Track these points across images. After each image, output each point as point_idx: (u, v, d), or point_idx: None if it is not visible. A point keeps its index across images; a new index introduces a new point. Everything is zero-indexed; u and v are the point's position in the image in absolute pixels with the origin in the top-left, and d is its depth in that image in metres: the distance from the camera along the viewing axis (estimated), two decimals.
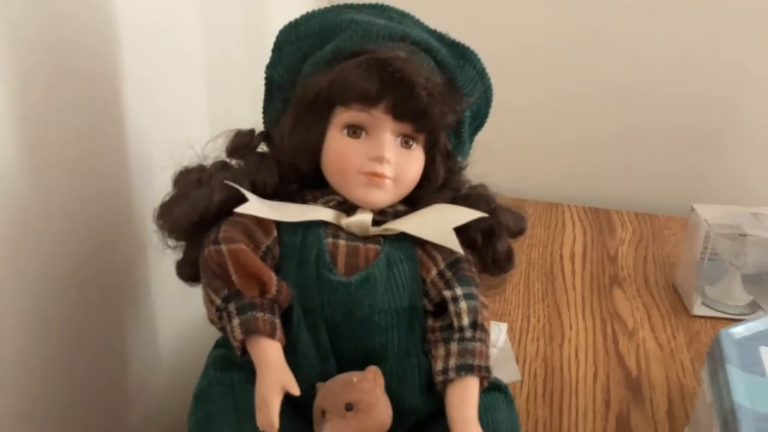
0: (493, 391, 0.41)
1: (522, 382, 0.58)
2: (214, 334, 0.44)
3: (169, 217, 0.41)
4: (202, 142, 0.43)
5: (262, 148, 0.44)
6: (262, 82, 0.44)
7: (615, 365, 0.62)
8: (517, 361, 0.60)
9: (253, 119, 0.45)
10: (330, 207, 0.41)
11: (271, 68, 0.43)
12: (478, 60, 0.43)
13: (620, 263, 0.81)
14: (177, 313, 0.57)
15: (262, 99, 0.45)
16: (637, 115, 0.94)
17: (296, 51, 0.42)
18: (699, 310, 0.70)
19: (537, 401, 0.56)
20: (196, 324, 0.57)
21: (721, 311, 0.70)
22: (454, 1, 0.92)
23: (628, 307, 0.72)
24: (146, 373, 0.55)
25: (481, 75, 0.43)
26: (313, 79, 0.40)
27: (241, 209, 0.39)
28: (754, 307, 0.70)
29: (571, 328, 0.67)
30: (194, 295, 0.46)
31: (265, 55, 0.44)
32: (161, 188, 0.43)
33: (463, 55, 0.43)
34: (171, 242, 0.42)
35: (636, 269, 0.80)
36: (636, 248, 0.85)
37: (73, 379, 0.47)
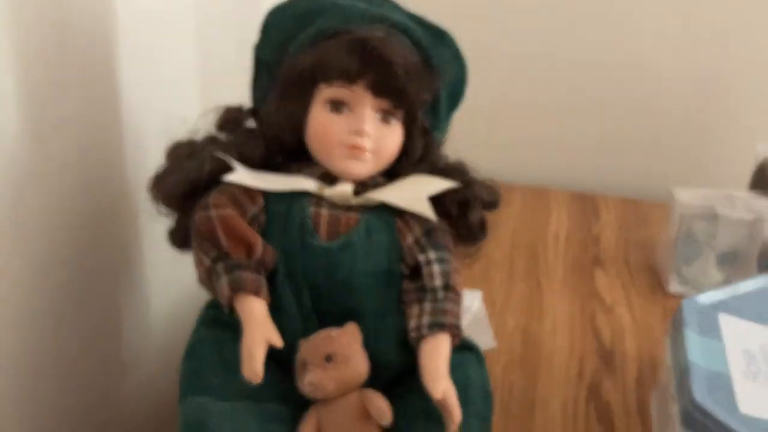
0: (465, 350, 0.44)
1: (500, 351, 0.61)
2: (205, 300, 0.47)
3: (162, 187, 0.44)
4: (194, 117, 0.46)
5: (250, 123, 0.47)
6: (251, 61, 0.47)
7: (590, 338, 0.65)
8: (496, 333, 0.63)
9: (242, 96, 0.48)
10: (313, 178, 0.44)
11: (258, 48, 0.46)
12: (454, 42, 0.46)
13: (602, 245, 0.84)
14: (170, 281, 0.60)
15: (250, 77, 0.48)
16: (627, 105, 0.97)
17: (282, 32, 0.45)
18: (675, 288, 0.73)
19: (514, 369, 0.59)
20: (189, 291, 0.60)
21: (696, 289, 0.72)
22: None
23: (607, 286, 0.75)
24: (141, 339, 0.58)
25: (456, 56, 0.46)
26: (297, 58, 0.43)
27: (229, 178, 0.42)
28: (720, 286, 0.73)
29: (550, 304, 0.70)
30: (186, 264, 0.49)
31: (255, 36, 0.46)
32: (154, 161, 0.46)
33: (439, 36, 0.45)
34: (164, 210, 0.45)
35: (617, 251, 0.83)
36: (619, 232, 0.88)
37: (69, 347, 0.49)
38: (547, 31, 0.96)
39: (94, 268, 0.51)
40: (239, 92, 0.48)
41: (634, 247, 0.84)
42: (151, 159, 0.46)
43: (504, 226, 0.87)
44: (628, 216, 0.92)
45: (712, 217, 0.70)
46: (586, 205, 0.95)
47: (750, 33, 0.90)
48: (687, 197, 0.72)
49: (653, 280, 0.76)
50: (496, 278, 0.74)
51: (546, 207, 0.94)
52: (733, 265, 0.73)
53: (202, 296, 0.46)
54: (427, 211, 0.43)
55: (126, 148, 0.52)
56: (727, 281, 0.73)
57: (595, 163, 1.01)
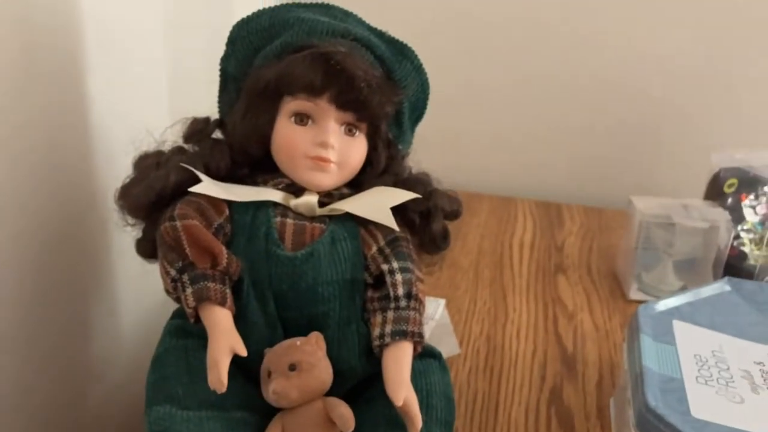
0: (427, 357, 0.45)
1: (465, 357, 0.62)
2: (173, 309, 0.47)
3: (128, 197, 0.44)
4: (161, 129, 0.47)
5: (217, 134, 0.47)
6: (218, 73, 0.48)
7: (553, 344, 0.66)
8: (462, 339, 0.65)
9: (209, 108, 0.48)
10: (279, 189, 0.45)
11: (225, 61, 0.47)
12: (415, 56, 0.47)
13: (566, 253, 0.86)
14: (138, 291, 0.60)
15: (217, 89, 0.48)
16: (589, 117, 0.99)
17: (248, 45, 0.46)
18: (635, 295, 0.75)
19: (478, 375, 0.60)
20: (158, 301, 0.60)
21: (655, 296, 0.75)
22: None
23: (569, 293, 0.76)
24: (109, 349, 0.58)
25: (418, 69, 0.47)
26: (263, 71, 0.44)
27: (195, 189, 0.42)
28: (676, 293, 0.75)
29: (514, 310, 0.72)
30: (154, 274, 0.49)
31: (221, 49, 0.47)
32: (122, 172, 0.46)
33: (401, 51, 0.47)
34: (130, 221, 0.45)
35: (580, 258, 0.85)
36: (582, 239, 0.90)
37: (37, 355, 0.49)
38: (512, 49, 0.98)
39: (62, 277, 0.51)
40: (207, 104, 0.49)
41: (597, 254, 0.86)
42: (120, 170, 0.46)
43: (471, 234, 0.89)
44: (591, 224, 0.95)
45: (669, 225, 0.73)
46: (550, 213, 0.98)
47: (703, 49, 0.93)
48: (645, 206, 0.74)
49: (614, 286, 0.78)
50: (462, 285, 0.75)
51: (512, 215, 0.96)
52: (690, 272, 0.75)
53: (171, 306, 0.47)
54: (391, 221, 0.44)
55: (94, 159, 0.52)
56: (685, 288, 0.75)
57: (559, 172, 1.03)
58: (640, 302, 0.73)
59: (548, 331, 0.68)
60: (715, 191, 0.77)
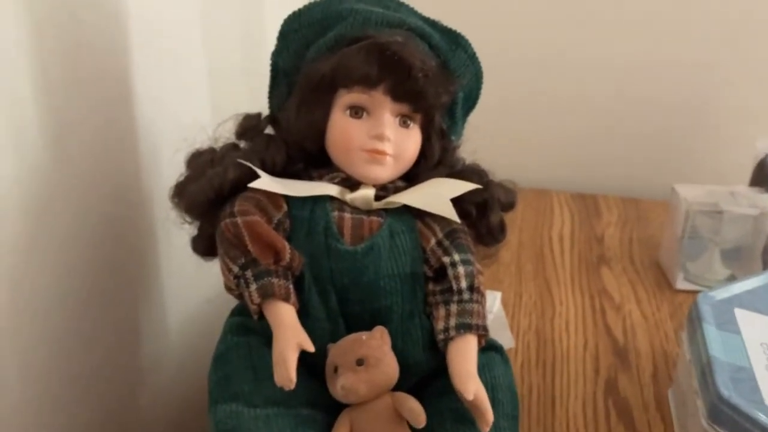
0: (490, 350, 0.44)
1: (516, 351, 0.61)
2: (221, 312, 0.46)
3: (184, 194, 0.44)
4: (206, 124, 0.46)
5: (269, 130, 0.47)
6: (261, 69, 0.47)
7: (603, 336, 0.65)
8: (511, 332, 0.64)
9: (254, 105, 0.48)
10: (335, 183, 0.44)
11: (276, 55, 0.46)
12: (469, 45, 0.46)
13: (606, 244, 0.85)
14: (186, 292, 0.60)
15: (260, 86, 0.48)
16: (626, 104, 0.98)
17: (300, 38, 0.45)
18: (681, 284, 0.74)
19: (531, 369, 0.60)
20: (204, 303, 0.60)
21: (702, 285, 0.73)
22: None
23: (614, 284, 0.75)
24: (158, 350, 0.58)
25: (472, 59, 0.46)
26: (316, 65, 0.43)
27: (254, 184, 0.41)
28: (732, 281, 0.73)
29: (561, 303, 0.71)
30: (203, 275, 0.49)
31: (263, 44, 0.46)
32: (169, 170, 0.46)
33: (455, 40, 0.46)
34: (187, 218, 0.45)
35: (622, 249, 0.84)
36: (622, 230, 0.89)
37: (89, 356, 0.49)
38: (548, 32, 0.97)
39: (111, 278, 0.51)
40: (247, 98, 0.48)
41: (638, 245, 0.85)
42: (166, 168, 0.46)
43: (509, 228, 0.87)
44: (629, 214, 0.94)
45: (716, 213, 0.71)
46: (587, 204, 0.96)
47: (748, 30, 0.91)
48: (690, 194, 0.73)
49: (659, 276, 0.77)
50: (505, 280, 0.75)
51: (548, 208, 0.95)
52: (737, 260, 0.74)
53: (218, 308, 0.46)
54: (452, 213, 0.43)
55: (141, 158, 0.52)
56: (731, 276, 0.74)
57: (594, 163, 1.02)
58: (688, 292, 0.73)
59: (597, 324, 0.67)
60: (761, 177, 0.75)
